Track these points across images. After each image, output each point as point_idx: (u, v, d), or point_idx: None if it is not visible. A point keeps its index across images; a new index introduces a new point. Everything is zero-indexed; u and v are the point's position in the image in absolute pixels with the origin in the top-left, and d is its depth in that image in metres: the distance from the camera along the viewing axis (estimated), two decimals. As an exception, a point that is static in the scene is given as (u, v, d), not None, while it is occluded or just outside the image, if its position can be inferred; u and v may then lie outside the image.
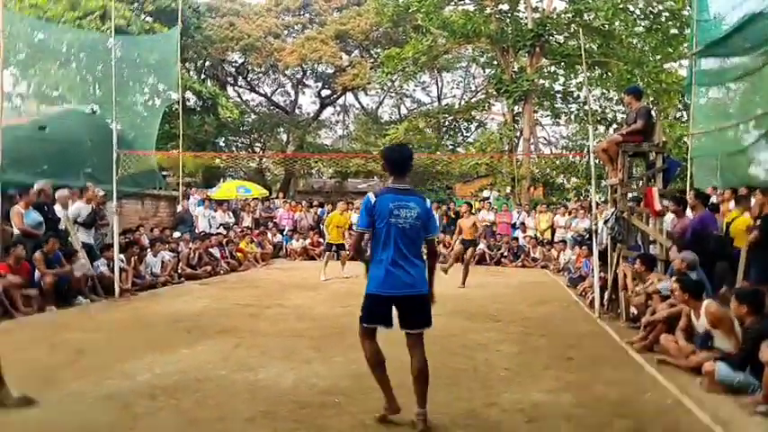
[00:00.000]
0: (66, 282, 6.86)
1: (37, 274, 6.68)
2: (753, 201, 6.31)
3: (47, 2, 16.87)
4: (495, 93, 18.98)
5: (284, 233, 14.44)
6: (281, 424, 3.16)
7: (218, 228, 12.81)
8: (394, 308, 3.11)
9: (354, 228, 3.54)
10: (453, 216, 15.00)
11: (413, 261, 3.11)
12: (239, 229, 13.30)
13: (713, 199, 7.77)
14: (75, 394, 3.60)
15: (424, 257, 3.31)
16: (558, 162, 18.40)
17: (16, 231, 7.02)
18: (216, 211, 13.54)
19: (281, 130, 29.80)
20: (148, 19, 20.21)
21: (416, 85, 28.70)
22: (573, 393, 3.76)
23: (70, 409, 3.33)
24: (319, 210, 15.66)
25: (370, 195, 3.23)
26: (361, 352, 3.02)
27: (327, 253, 10.28)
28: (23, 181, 7.83)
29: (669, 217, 7.35)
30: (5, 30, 7.80)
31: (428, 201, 3.30)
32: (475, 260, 13.03)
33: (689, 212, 6.79)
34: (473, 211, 14.63)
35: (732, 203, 7.25)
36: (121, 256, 7.92)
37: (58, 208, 7.83)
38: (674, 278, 5.12)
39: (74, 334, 5.19)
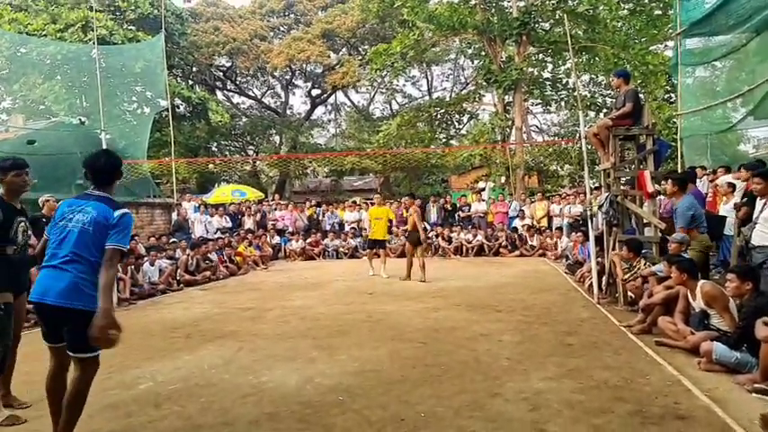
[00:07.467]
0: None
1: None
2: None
3: (26, 17, 16.74)
4: (484, 83, 19.00)
5: (283, 235, 14.45)
6: (286, 425, 3.16)
7: (215, 233, 12.78)
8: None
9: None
10: (449, 209, 15.03)
11: (74, 268, 2.64)
12: (242, 232, 13.28)
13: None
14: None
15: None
16: (550, 149, 18.44)
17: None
18: (212, 216, 13.51)
19: (274, 131, 29.74)
20: (131, 28, 20.09)
21: (406, 80, 28.80)
22: (574, 379, 3.79)
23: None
24: (317, 209, 15.64)
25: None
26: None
27: (368, 251, 10.45)
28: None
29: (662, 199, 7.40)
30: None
31: (119, 210, 2.70)
32: (473, 251, 13.10)
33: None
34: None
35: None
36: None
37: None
38: (665, 262, 5.16)
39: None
